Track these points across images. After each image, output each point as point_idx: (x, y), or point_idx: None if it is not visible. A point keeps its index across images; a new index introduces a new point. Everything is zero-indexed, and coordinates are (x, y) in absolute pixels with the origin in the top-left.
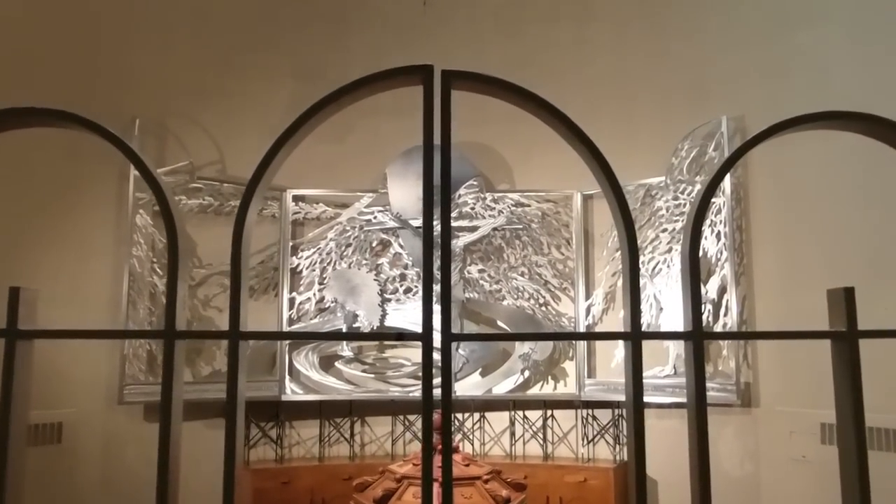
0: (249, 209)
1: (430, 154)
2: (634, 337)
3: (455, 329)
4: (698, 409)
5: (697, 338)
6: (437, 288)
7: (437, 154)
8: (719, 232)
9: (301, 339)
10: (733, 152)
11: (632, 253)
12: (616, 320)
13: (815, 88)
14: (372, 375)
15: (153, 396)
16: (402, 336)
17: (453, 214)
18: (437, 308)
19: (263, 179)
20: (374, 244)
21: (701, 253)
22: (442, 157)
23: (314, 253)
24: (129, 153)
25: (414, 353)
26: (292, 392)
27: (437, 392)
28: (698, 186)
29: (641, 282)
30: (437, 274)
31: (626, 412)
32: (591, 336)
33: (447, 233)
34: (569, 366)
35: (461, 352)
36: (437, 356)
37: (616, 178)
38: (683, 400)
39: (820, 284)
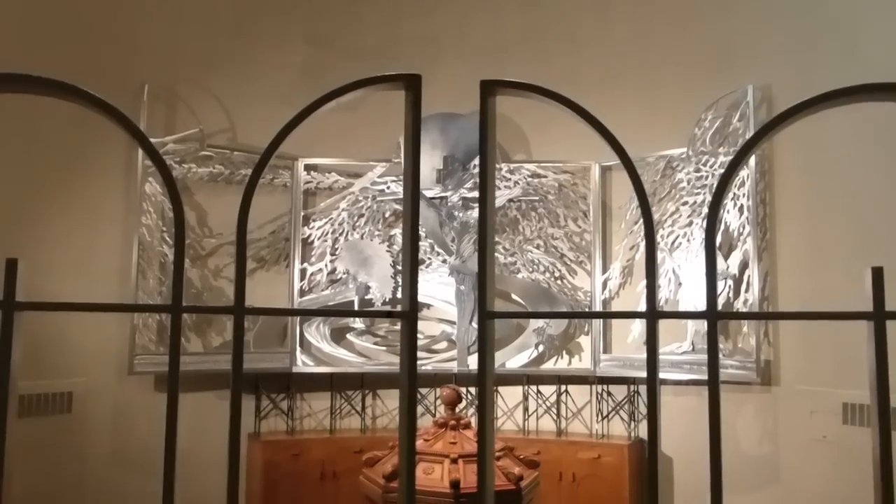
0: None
1: (416, 159)
2: (651, 316)
3: (469, 301)
4: (711, 389)
5: (712, 318)
6: (451, 260)
7: (454, 125)
8: (742, 205)
9: (297, 314)
10: (752, 136)
11: (649, 237)
12: (633, 294)
13: (845, 56)
14: (384, 348)
15: (163, 367)
16: (391, 314)
17: (468, 185)
18: (445, 279)
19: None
20: (386, 215)
21: (722, 227)
22: (482, 159)
23: (326, 223)
24: (134, 129)
25: (427, 325)
26: (303, 364)
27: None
28: (721, 158)
29: (660, 256)
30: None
31: (647, 384)
32: (608, 315)
33: (489, 209)
34: (584, 340)
35: (475, 325)
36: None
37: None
38: (701, 377)
39: (845, 261)
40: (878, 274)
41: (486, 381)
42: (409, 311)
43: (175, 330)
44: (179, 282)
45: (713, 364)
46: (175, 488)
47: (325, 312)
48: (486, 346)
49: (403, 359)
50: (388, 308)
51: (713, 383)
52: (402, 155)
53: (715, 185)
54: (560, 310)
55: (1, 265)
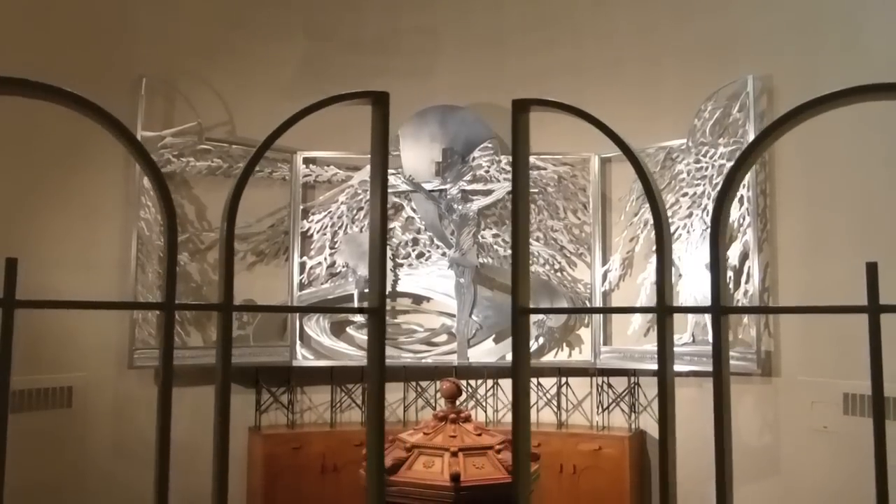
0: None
1: (384, 171)
2: (661, 311)
3: (468, 294)
4: (716, 382)
5: (718, 312)
6: (451, 253)
7: (449, 116)
8: (742, 196)
9: (281, 311)
10: (755, 139)
11: (658, 230)
12: (633, 286)
13: (846, 46)
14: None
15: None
16: (362, 310)
17: (467, 178)
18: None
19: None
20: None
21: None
22: (516, 173)
23: (325, 216)
24: (121, 129)
25: (426, 318)
26: (303, 358)
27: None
28: (721, 149)
29: None
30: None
31: (658, 382)
32: (622, 310)
33: (523, 201)
34: (584, 332)
35: (474, 318)
36: (447, 322)
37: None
38: (701, 368)
39: (846, 252)
40: (872, 269)
41: (521, 376)
42: (376, 308)
43: (168, 328)
44: (172, 281)
45: (719, 358)
46: (169, 482)
47: (298, 309)
48: (520, 342)
49: (371, 354)
50: (388, 301)
51: (719, 377)
52: (371, 173)
53: (719, 186)
54: (560, 302)
55: (0, 260)
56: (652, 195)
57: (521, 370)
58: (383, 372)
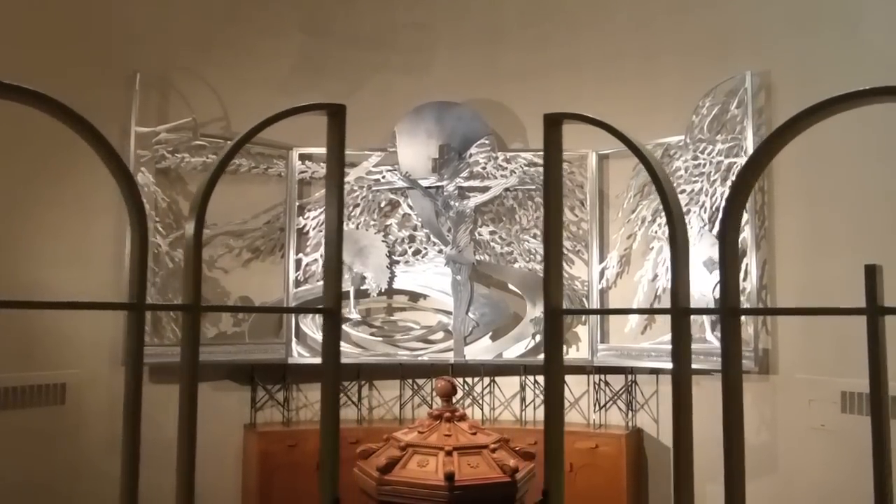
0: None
1: (340, 182)
2: (676, 313)
3: (465, 291)
4: (725, 384)
5: (726, 314)
6: (447, 250)
7: (448, 111)
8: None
9: (251, 311)
10: (761, 145)
11: (678, 231)
12: (630, 284)
13: (845, 42)
14: (380, 339)
15: (157, 358)
16: (319, 311)
17: (463, 174)
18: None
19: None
20: (382, 204)
21: (720, 215)
22: (547, 184)
23: (321, 213)
24: (98, 140)
25: (423, 315)
26: (299, 355)
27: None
28: (719, 145)
29: (657, 245)
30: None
31: (672, 379)
32: (636, 311)
33: (556, 210)
34: (581, 330)
35: (471, 315)
36: (446, 319)
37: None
38: (699, 366)
39: (844, 250)
40: (870, 271)
41: (554, 377)
42: (332, 309)
43: (139, 329)
44: (143, 281)
45: (730, 360)
46: (138, 481)
47: (259, 309)
48: (554, 343)
49: (326, 354)
50: (384, 298)
51: (730, 379)
52: (326, 177)
53: (731, 185)
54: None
55: None
56: (669, 208)
57: (554, 371)
58: (338, 372)
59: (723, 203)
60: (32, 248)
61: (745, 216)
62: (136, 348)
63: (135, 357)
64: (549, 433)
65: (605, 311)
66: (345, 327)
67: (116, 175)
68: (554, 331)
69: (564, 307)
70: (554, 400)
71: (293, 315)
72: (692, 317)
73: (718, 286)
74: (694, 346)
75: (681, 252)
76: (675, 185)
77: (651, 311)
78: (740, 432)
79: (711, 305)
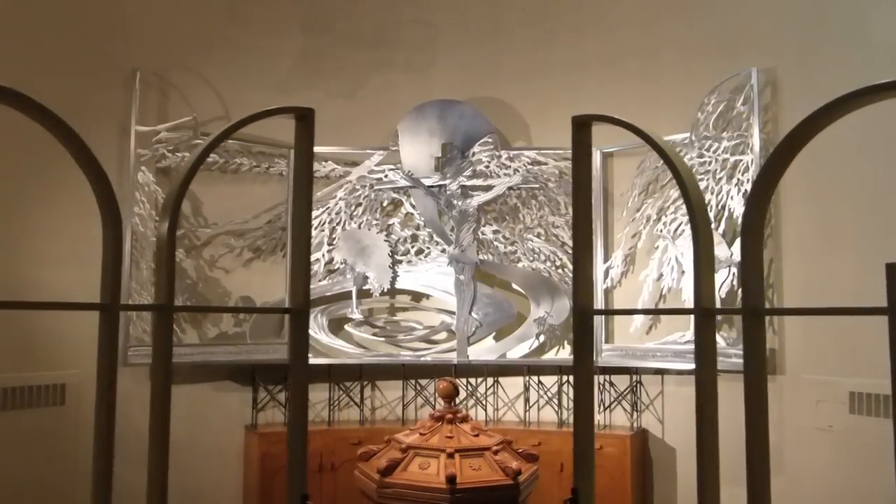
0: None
1: (309, 180)
2: (700, 313)
3: (468, 291)
4: (748, 385)
5: (749, 314)
6: (450, 249)
7: (453, 108)
8: (746, 191)
9: (217, 311)
10: (783, 141)
11: (702, 231)
12: (635, 283)
13: (851, 38)
14: (382, 339)
15: None
16: (286, 310)
17: (466, 173)
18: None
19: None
20: (384, 203)
21: (726, 213)
22: (576, 186)
23: (323, 212)
24: (74, 142)
25: (426, 315)
26: None
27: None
28: (725, 143)
29: (663, 243)
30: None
31: (696, 381)
32: (658, 311)
33: (585, 211)
34: None
35: (474, 315)
36: (447, 318)
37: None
38: None
39: (851, 248)
40: (892, 270)
41: (583, 377)
42: (300, 308)
43: (112, 330)
44: (117, 282)
45: (753, 361)
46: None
47: (223, 309)
48: (583, 343)
49: (294, 354)
50: (387, 298)
51: (753, 380)
52: (294, 179)
53: (752, 185)
54: (561, 299)
55: None
56: (693, 210)
57: (584, 371)
58: (306, 372)
59: (728, 201)
60: (31, 248)
61: None
62: (109, 349)
63: (108, 358)
64: (578, 433)
65: (631, 312)
66: (347, 327)
67: (86, 169)
68: (583, 331)
69: (569, 307)
70: (584, 400)
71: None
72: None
73: (724, 285)
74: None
75: (704, 252)
76: None
77: (675, 312)
78: (764, 434)
79: (718, 305)
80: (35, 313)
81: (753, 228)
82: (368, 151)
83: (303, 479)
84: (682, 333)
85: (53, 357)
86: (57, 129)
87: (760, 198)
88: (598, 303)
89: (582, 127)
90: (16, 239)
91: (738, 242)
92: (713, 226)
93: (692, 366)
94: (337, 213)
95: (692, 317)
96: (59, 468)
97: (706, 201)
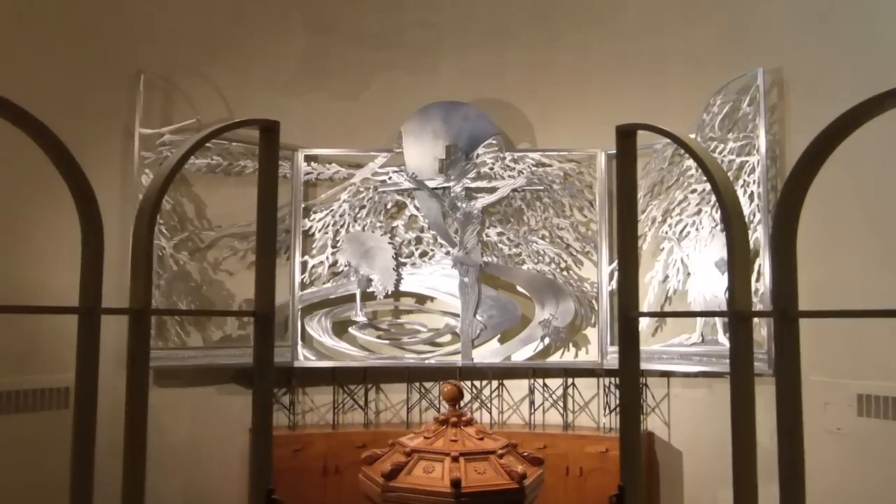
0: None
1: (273, 191)
2: (734, 316)
3: (473, 293)
4: (780, 390)
5: (781, 317)
6: (455, 252)
7: (458, 110)
8: (752, 192)
9: (159, 314)
10: (822, 133)
11: (737, 232)
12: (641, 285)
13: (858, 38)
14: (387, 342)
15: (162, 361)
16: (250, 314)
17: (470, 175)
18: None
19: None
20: (388, 206)
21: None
22: (622, 193)
23: (327, 215)
24: (56, 148)
25: (429, 318)
26: (305, 358)
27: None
28: (731, 144)
29: (668, 245)
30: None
31: (731, 389)
32: (693, 314)
33: (631, 221)
34: (591, 333)
35: (479, 318)
36: (451, 321)
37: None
38: (710, 369)
39: (858, 249)
40: None
41: (631, 379)
42: (264, 313)
43: (93, 334)
44: (97, 284)
45: (787, 366)
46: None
47: (188, 312)
48: (629, 345)
49: (258, 359)
50: (391, 301)
51: (788, 385)
52: (258, 189)
53: (784, 186)
54: (566, 302)
55: None
56: (727, 212)
57: (629, 374)
58: (272, 377)
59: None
60: (37, 250)
61: (758, 215)
62: (90, 354)
63: (89, 364)
64: (624, 431)
65: (669, 314)
66: (351, 330)
67: (59, 165)
68: (628, 333)
69: (574, 309)
70: (630, 400)
71: (299, 318)
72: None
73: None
74: (706, 347)
75: (739, 255)
76: (685, 184)
77: (709, 314)
78: (799, 439)
79: (724, 307)
80: (37, 317)
81: (786, 228)
82: (372, 153)
83: (268, 476)
84: (688, 336)
85: (57, 360)
86: (15, 118)
87: (795, 194)
88: (604, 305)
89: (626, 136)
90: (18, 241)
91: None
92: (719, 227)
93: (698, 368)
94: (341, 216)
95: (698, 319)
96: (62, 472)
97: (712, 203)
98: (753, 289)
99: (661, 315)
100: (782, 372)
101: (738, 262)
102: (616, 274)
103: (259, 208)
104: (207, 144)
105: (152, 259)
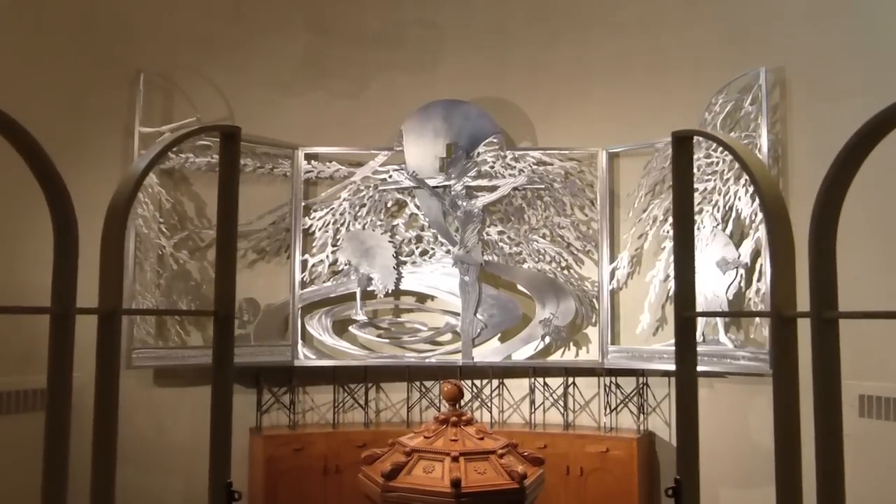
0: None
1: (234, 197)
2: (777, 319)
3: (473, 292)
4: (819, 395)
5: (818, 319)
6: (455, 250)
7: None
8: (754, 192)
9: (135, 314)
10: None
11: (770, 234)
12: (642, 284)
13: (861, 37)
14: (387, 340)
15: (162, 361)
16: (212, 313)
17: (471, 174)
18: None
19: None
20: (388, 204)
21: (734, 214)
22: (678, 199)
23: (327, 213)
24: (37, 153)
25: (430, 317)
26: (305, 357)
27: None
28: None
29: (670, 244)
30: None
31: (774, 391)
32: (734, 314)
33: (686, 228)
34: (591, 332)
35: (479, 316)
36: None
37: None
38: (711, 368)
39: (863, 249)
40: None
41: (688, 378)
42: (224, 314)
43: (66, 336)
44: (72, 284)
45: (823, 370)
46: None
47: (157, 312)
48: (686, 346)
49: (218, 360)
50: (391, 300)
51: (825, 390)
52: (218, 195)
53: (824, 185)
54: (567, 301)
55: None
56: (769, 214)
57: (687, 373)
58: (231, 376)
59: (736, 202)
60: (34, 250)
61: (760, 215)
62: (62, 356)
63: (60, 366)
64: (681, 426)
65: (719, 314)
66: (352, 329)
67: (29, 160)
68: (685, 333)
69: (575, 308)
70: (687, 398)
71: (299, 317)
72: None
73: (731, 287)
74: (707, 347)
75: (782, 256)
76: None
77: (752, 315)
78: (839, 443)
79: (725, 307)
80: (38, 317)
81: (825, 228)
82: (373, 152)
83: (226, 470)
84: None
85: None
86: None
87: (835, 190)
88: (605, 304)
89: (682, 141)
90: (17, 239)
91: (745, 244)
92: (720, 227)
93: (699, 368)
94: (341, 214)
95: (700, 319)
96: None
97: (713, 203)
98: (755, 288)
99: (714, 315)
100: (821, 376)
101: (782, 263)
102: (616, 273)
103: (219, 211)
104: (207, 143)
105: (123, 261)
